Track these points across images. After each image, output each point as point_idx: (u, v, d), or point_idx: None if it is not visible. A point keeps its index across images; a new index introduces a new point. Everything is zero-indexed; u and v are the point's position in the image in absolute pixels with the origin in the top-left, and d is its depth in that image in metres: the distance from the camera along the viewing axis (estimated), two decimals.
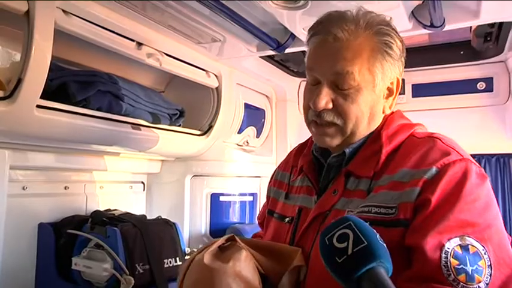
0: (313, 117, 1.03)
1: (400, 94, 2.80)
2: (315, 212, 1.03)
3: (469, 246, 0.83)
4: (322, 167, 1.11)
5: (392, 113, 1.09)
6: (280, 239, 1.10)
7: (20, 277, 1.71)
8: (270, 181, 1.33)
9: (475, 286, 0.80)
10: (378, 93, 1.02)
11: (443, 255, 0.82)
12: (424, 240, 0.83)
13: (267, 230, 1.23)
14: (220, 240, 1.02)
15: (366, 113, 1.01)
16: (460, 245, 0.83)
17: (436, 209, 0.86)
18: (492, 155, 2.35)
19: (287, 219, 1.12)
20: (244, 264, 0.94)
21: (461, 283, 0.80)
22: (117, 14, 1.54)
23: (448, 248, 0.82)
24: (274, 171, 1.34)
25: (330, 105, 0.99)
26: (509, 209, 2.29)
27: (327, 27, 0.99)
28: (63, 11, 1.36)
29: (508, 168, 2.33)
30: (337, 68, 0.97)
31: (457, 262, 0.81)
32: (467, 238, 0.83)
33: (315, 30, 1.03)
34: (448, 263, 0.81)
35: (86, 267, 1.60)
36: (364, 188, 0.98)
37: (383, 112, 1.06)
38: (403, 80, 2.51)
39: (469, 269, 0.81)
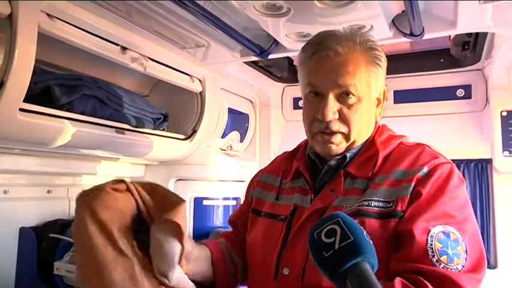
0: (319, 129, 1.12)
1: None
2: (312, 208, 1.10)
3: (450, 233, 0.97)
4: (316, 169, 1.20)
5: (379, 126, 1.23)
6: (273, 236, 1.15)
7: None
8: (252, 183, 1.37)
9: (454, 267, 0.93)
10: (372, 103, 1.16)
11: (429, 238, 0.96)
12: (414, 225, 0.97)
13: (252, 228, 1.25)
14: (109, 182, 1.02)
15: (365, 121, 1.14)
16: (443, 231, 0.97)
17: (425, 201, 1.01)
18: (471, 161, 2.39)
19: (281, 217, 1.17)
20: (102, 203, 0.96)
21: (443, 263, 0.93)
22: (102, 18, 1.53)
23: (433, 233, 0.96)
24: (257, 175, 1.38)
25: (337, 116, 1.10)
26: (487, 213, 2.34)
27: (328, 44, 1.09)
28: (48, 14, 1.35)
29: (485, 173, 2.37)
30: (342, 81, 1.08)
31: (440, 245, 0.95)
32: (448, 227, 0.98)
33: (315, 49, 1.11)
34: (433, 246, 0.95)
35: (68, 272, 1.59)
36: (361, 187, 1.09)
37: (375, 120, 1.20)
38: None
39: (450, 252, 0.95)
